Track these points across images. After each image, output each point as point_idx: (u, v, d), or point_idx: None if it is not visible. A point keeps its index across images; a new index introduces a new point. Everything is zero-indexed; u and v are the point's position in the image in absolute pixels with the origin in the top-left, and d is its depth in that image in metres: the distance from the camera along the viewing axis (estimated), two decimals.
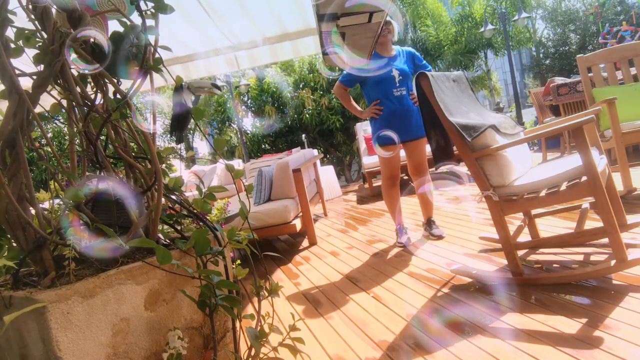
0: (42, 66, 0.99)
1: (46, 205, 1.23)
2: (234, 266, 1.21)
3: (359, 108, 2.95)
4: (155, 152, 1.07)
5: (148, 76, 1.10)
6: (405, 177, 6.32)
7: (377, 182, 6.48)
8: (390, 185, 2.91)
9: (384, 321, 1.79)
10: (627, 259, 1.59)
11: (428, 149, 2.66)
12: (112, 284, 0.90)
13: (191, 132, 13.83)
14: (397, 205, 2.95)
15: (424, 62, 2.92)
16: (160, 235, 1.15)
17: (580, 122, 1.59)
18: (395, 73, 2.78)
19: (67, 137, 1.07)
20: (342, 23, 1.00)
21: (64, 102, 1.12)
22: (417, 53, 2.94)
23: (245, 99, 9.66)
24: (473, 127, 1.84)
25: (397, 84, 2.78)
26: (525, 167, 2.07)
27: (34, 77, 0.99)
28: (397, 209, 2.95)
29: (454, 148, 2.00)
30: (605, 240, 1.95)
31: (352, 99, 3.01)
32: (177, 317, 1.04)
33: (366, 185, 6.25)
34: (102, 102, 1.12)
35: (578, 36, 18.99)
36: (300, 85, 9.01)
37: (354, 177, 9.05)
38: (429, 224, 2.94)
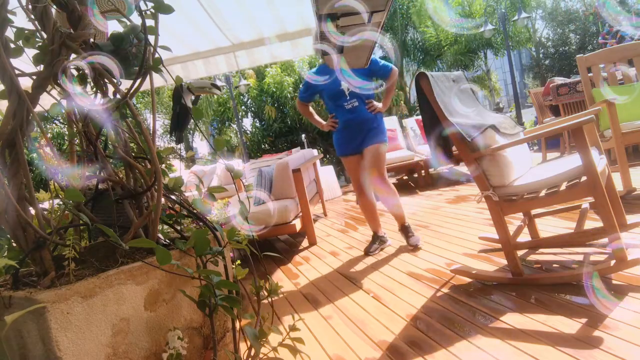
0: (42, 66, 0.99)
1: (46, 205, 1.23)
2: (233, 266, 1.21)
3: (322, 121, 2.93)
4: (155, 152, 1.07)
5: (148, 76, 1.10)
6: (405, 177, 6.32)
7: None
8: (359, 194, 2.86)
9: (384, 321, 1.79)
10: (627, 259, 1.59)
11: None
12: (112, 284, 0.90)
13: (191, 132, 13.84)
14: (371, 213, 2.87)
15: (382, 63, 2.75)
16: (160, 235, 1.15)
17: (580, 122, 1.59)
18: (344, 86, 2.70)
19: (66, 138, 1.07)
20: (342, 23, 1.01)
21: (64, 102, 1.12)
22: (373, 57, 2.71)
23: (245, 99, 9.66)
24: (473, 127, 1.84)
25: (348, 97, 2.72)
26: (525, 167, 2.07)
27: (34, 77, 0.99)
28: (373, 217, 2.87)
29: (454, 148, 2.00)
30: (605, 240, 1.95)
31: (314, 113, 3.01)
32: (177, 317, 1.04)
33: None
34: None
35: (578, 36, 19.00)
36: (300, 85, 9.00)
37: None
38: (403, 230, 2.81)
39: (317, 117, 3.00)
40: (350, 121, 2.74)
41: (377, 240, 2.88)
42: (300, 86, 3.04)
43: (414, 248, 2.70)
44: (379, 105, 2.79)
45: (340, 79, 2.69)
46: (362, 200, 2.87)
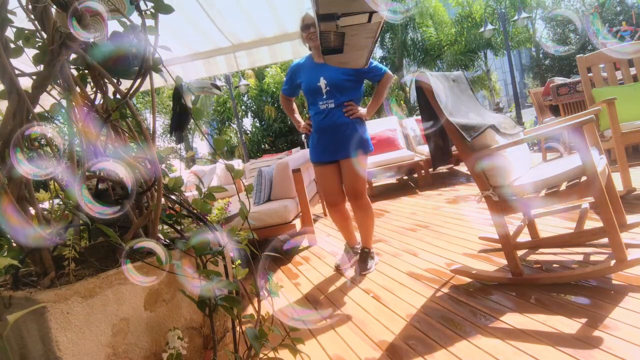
0: (42, 66, 0.99)
1: (46, 205, 1.23)
2: (233, 266, 1.21)
3: (300, 121, 2.64)
4: (155, 152, 1.07)
5: (148, 76, 1.10)
6: (406, 177, 6.32)
7: (377, 182, 6.48)
8: (329, 208, 2.61)
9: (384, 321, 1.79)
10: (627, 259, 1.59)
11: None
12: (111, 284, 0.90)
13: (191, 132, 13.85)
14: (344, 225, 2.65)
15: (374, 64, 2.45)
16: (160, 235, 1.15)
17: (580, 122, 1.59)
18: (322, 83, 2.39)
19: (66, 137, 1.08)
20: (342, 23, 1.01)
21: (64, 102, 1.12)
22: None
23: (245, 98, 9.67)
24: (473, 127, 1.84)
25: (324, 96, 2.40)
26: (525, 167, 2.07)
27: (34, 77, 0.99)
28: (346, 229, 2.67)
29: (453, 148, 2.00)
30: (605, 240, 1.96)
31: (296, 110, 2.74)
32: (177, 317, 1.04)
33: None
34: (102, 102, 1.12)
35: (578, 36, 19.00)
36: None
37: None
38: (362, 254, 2.54)
39: (297, 115, 2.71)
40: (322, 124, 2.44)
41: (350, 251, 2.68)
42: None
43: (357, 274, 2.46)
44: (361, 110, 2.44)
45: (319, 74, 2.42)
46: (335, 215, 2.61)
